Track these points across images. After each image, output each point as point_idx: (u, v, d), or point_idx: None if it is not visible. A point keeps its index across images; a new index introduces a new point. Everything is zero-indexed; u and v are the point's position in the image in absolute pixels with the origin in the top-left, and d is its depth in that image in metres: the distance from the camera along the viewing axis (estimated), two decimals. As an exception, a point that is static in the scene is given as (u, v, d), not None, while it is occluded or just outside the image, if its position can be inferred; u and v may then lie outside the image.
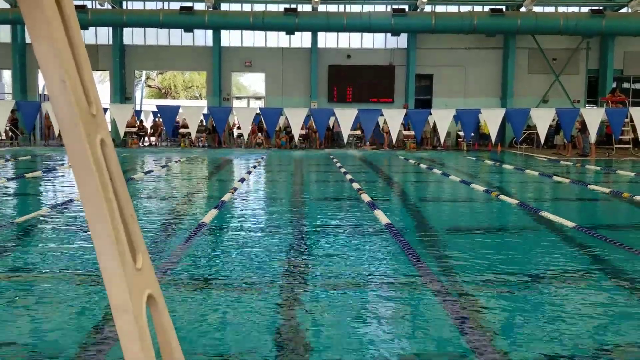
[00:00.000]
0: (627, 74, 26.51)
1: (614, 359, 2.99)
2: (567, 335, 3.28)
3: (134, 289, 1.04)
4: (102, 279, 0.99)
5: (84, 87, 1.04)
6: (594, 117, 16.43)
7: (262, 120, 21.16)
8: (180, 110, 19.86)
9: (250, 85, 41.74)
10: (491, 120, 15.75)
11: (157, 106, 20.74)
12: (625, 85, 26.58)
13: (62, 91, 0.99)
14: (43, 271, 4.57)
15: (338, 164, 14.78)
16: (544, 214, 7.16)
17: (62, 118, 1.01)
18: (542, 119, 16.20)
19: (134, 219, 1.11)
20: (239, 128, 22.10)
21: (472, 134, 23.29)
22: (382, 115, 19.31)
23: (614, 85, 25.01)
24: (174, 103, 34.52)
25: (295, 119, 16.83)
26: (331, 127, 23.21)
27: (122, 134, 21.81)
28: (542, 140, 16.91)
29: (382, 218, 6.73)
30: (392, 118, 16.73)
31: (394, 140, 21.10)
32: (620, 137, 20.25)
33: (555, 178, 11.91)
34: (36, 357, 2.93)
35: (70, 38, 1.00)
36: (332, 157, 16.28)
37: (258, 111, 20.20)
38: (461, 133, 23.73)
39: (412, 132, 22.76)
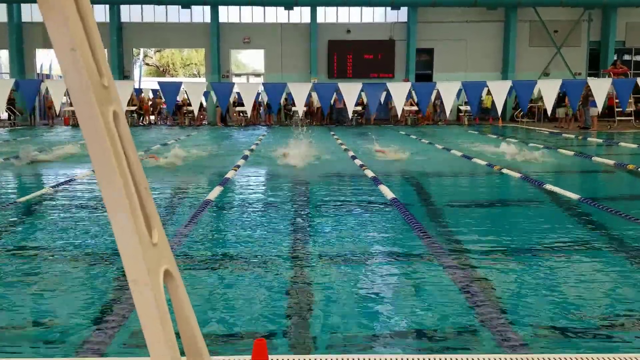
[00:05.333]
0: (629, 45, 26.24)
1: (619, 327, 2.99)
2: (573, 305, 3.29)
3: (151, 264, 1.02)
4: (119, 254, 0.98)
5: (95, 57, 1.00)
6: (600, 88, 16.17)
7: (262, 97, 20.99)
8: (183, 87, 19.61)
9: (250, 63, 41.41)
10: (497, 92, 15.52)
11: (159, 83, 20.50)
12: (627, 57, 26.32)
13: (72, 60, 0.96)
14: (51, 250, 4.57)
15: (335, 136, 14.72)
16: (548, 186, 7.15)
17: (73, 89, 0.97)
18: (549, 90, 15.96)
19: (149, 192, 1.08)
20: (240, 105, 21.94)
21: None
22: (386, 89, 19.14)
23: (615, 57, 24.77)
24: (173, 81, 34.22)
25: (299, 94, 16.61)
26: (332, 103, 23.06)
27: (123, 110, 21.63)
28: (550, 112, 16.69)
29: (387, 193, 6.73)
30: (397, 92, 16.50)
31: (399, 115, 20.90)
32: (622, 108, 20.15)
33: (559, 151, 11.86)
34: (45, 336, 2.94)
35: (79, 7, 0.97)
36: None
37: (261, 87, 19.99)
38: (462, 107, 23.60)
39: (414, 108, 22.61)
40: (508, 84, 15.98)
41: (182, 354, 1.03)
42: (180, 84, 18.90)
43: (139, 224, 1.01)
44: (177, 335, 1.03)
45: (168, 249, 1.10)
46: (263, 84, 19.80)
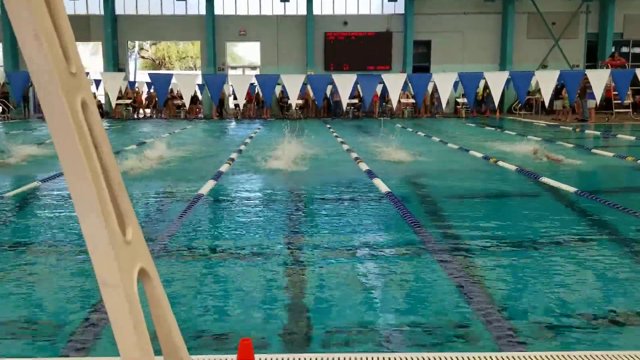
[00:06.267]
0: (627, 37, 26.15)
1: (616, 321, 2.94)
2: (570, 299, 3.24)
3: (124, 263, 0.95)
4: (89, 253, 0.91)
5: (62, 42, 0.93)
6: (599, 79, 15.95)
7: (258, 89, 20.75)
8: (174, 81, 19.45)
9: (246, 56, 41.20)
10: (494, 84, 15.34)
11: (149, 74, 20.37)
12: (624, 49, 26.22)
13: (36, 45, 0.89)
14: (37, 244, 4.50)
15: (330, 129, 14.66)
16: (544, 179, 7.11)
17: (36, 75, 0.90)
18: (547, 82, 15.77)
19: (122, 187, 1.02)
20: (235, 98, 21.81)
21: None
22: (381, 82, 19.01)
23: (613, 49, 24.68)
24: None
25: (292, 86, 16.45)
26: (328, 96, 22.95)
27: (113, 104, 21.41)
28: (547, 104, 16.49)
29: (382, 186, 6.66)
30: (392, 84, 16.32)
31: (394, 107, 20.80)
32: (620, 101, 20.05)
33: (558, 143, 11.80)
34: (31, 332, 2.87)
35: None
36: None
37: (253, 80, 19.83)
38: (460, 100, 23.51)
39: (411, 100, 22.50)
40: (505, 75, 15.78)
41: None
42: (170, 75, 18.64)
43: (111, 222, 0.95)
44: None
45: (144, 247, 1.04)
46: (256, 75, 19.58)
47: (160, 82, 18.20)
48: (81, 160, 0.91)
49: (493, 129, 16.41)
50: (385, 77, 16.27)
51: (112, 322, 0.93)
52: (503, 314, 3.03)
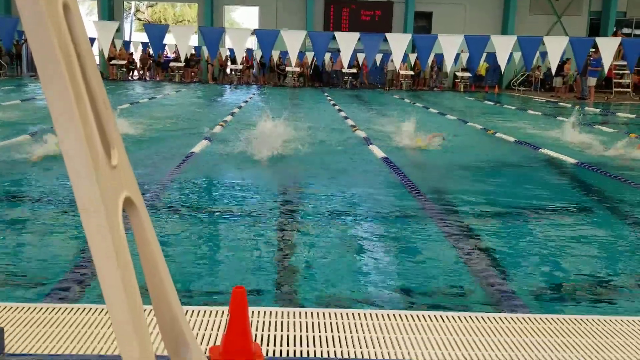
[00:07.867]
0: (630, 17, 25.83)
1: (611, 287, 2.90)
2: (568, 265, 3.20)
3: (107, 188, 0.84)
4: (69, 178, 0.80)
5: None
6: (610, 46, 15.36)
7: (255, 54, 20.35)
8: (170, 40, 18.79)
9: (244, 22, 40.56)
10: (500, 48, 14.88)
11: (145, 25, 19.80)
12: (626, 30, 25.89)
13: None
14: (29, 197, 4.40)
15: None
16: (544, 150, 7.04)
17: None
18: (555, 48, 15.26)
19: (108, 106, 0.91)
20: (233, 62, 21.40)
21: (470, 76, 22.85)
22: (382, 51, 18.64)
23: (615, 28, 24.40)
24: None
25: (292, 42, 15.92)
26: (324, 64, 22.66)
27: (106, 54, 20.85)
28: (554, 70, 16.01)
29: (378, 152, 6.57)
30: (396, 44, 15.78)
31: (397, 69, 20.32)
32: (620, 80, 19.93)
33: (558, 119, 11.71)
34: (23, 282, 2.79)
35: None
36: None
37: (250, 45, 19.38)
38: (459, 74, 23.24)
39: (410, 72, 22.27)
40: (512, 40, 15.20)
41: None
42: (166, 26, 17.94)
43: (93, 139, 0.83)
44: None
45: (130, 173, 0.92)
46: (255, 30, 18.86)
47: (155, 34, 17.51)
48: (60, 67, 0.80)
49: (492, 103, 16.25)
50: (389, 36, 15.72)
51: (93, 255, 0.82)
52: (501, 277, 2.97)
